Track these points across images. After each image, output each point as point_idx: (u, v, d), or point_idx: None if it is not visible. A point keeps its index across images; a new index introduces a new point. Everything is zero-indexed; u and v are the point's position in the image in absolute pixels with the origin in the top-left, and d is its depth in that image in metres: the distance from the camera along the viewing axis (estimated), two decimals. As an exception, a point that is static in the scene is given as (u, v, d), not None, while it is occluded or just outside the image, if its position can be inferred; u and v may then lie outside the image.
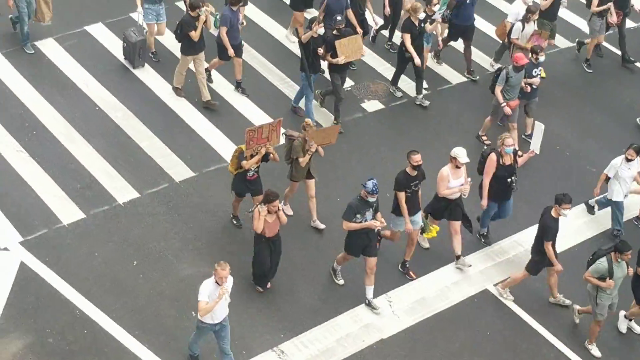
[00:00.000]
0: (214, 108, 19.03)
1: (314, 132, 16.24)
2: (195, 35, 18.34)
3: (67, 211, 16.75)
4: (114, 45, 20.35)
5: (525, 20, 19.73)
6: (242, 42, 19.55)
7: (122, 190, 17.27)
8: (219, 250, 16.32)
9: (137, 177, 17.57)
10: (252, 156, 15.94)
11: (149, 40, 19.89)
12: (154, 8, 19.49)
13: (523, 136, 19.15)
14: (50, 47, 20.23)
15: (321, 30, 18.66)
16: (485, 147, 17.69)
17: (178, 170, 17.82)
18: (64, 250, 16.06)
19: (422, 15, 19.04)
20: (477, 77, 20.73)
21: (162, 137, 18.44)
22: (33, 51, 19.78)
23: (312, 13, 21.03)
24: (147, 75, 19.85)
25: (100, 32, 20.79)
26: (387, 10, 20.65)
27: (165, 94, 19.39)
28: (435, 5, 19.40)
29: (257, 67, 20.49)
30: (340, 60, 18.27)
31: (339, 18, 18.31)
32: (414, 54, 19.09)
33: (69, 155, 17.82)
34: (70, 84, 19.36)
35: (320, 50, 18.24)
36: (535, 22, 19.99)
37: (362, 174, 17.07)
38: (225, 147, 18.31)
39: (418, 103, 19.74)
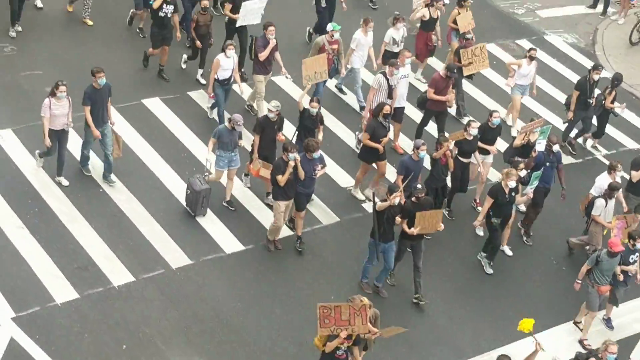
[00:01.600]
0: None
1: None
2: (282, 180, 17.59)
3: (62, 290, 16.79)
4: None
5: (608, 196, 18.84)
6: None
7: (118, 273, 17.32)
8: (210, 340, 16.31)
9: (134, 261, 17.63)
10: (331, 337, 14.59)
11: (228, 187, 19.12)
12: (227, 155, 18.64)
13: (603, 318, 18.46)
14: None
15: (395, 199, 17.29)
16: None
17: (175, 256, 17.90)
18: (55, 329, 16.05)
19: (512, 184, 18.08)
20: None
21: (162, 222, 18.56)
22: (90, 173, 19.33)
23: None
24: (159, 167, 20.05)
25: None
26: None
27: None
28: (521, 170, 18.47)
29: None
30: (416, 231, 17.24)
31: (419, 187, 17.44)
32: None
33: (69, 235, 17.92)
34: (74, 164, 19.49)
35: (398, 219, 17.19)
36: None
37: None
38: (225, 238, 18.42)
39: None
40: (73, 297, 16.69)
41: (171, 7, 21.52)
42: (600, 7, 28.89)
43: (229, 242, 18.42)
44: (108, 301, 16.75)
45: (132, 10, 23.61)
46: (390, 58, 21.45)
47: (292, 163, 17.46)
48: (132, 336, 16.18)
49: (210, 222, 18.82)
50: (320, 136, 19.12)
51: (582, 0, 29.53)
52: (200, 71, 22.47)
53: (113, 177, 19.12)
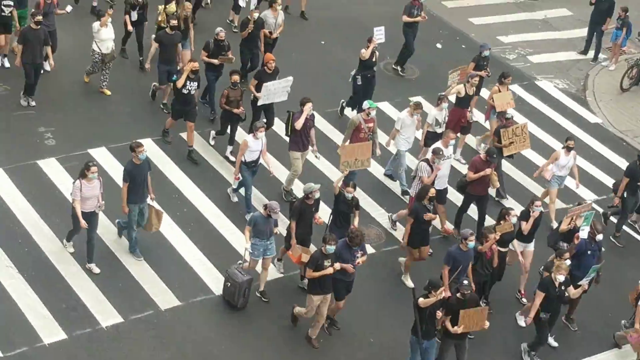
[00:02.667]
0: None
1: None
2: (314, 275, 16.77)
3: (50, 330, 16.68)
4: (113, 169, 20.51)
5: None
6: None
7: (106, 314, 17.23)
8: (198, 382, 16.22)
9: (123, 301, 17.55)
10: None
11: (262, 277, 18.26)
12: (262, 244, 17.74)
13: None
14: (51, 167, 20.47)
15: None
16: None
17: (164, 297, 17.82)
18: (42, 370, 15.96)
19: (562, 278, 17.22)
20: None
21: (151, 263, 18.49)
22: (141, 257, 18.59)
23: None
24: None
25: (103, 155, 21.04)
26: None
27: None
28: (566, 259, 17.65)
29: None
30: (460, 330, 16.36)
31: (465, 282, 16.69)
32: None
33: (58, 275, 17.84)
34: (67, 205, 19.47)
35: (439, 314, 16.35)
36: None
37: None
38: (214, 279, 18.35)
39: None
40: (61, 338, 16.59)
41: (195, 84, 21.01)
42: (591, 54, 29.06)
43: (218, 283, 18.34)
44: (96, 342, 16.65)
45: (154, 84, 23.08)
46: (433, 139, 21.05)
47: (330, 270, 16.58)
48: (120, 378, 16.10)
49: (200, 263, 18.78)
50: (356, 222, 18.30)
51: (574, 47, 29.73)
52: (229, 148, 21.72)
53: (138, 252, 18.59)
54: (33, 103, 22.19)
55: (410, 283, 18.84)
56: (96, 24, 22.36)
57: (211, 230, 19.63)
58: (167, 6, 23.48)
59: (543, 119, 25.60)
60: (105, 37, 22.36)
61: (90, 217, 17.61)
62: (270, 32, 24.07)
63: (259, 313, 17.85)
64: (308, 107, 20.04)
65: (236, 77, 21.17)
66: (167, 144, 21.74)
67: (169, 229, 19.32)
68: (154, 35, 23.07)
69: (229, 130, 21.60)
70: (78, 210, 17.36)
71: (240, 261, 17.91)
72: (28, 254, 18.16)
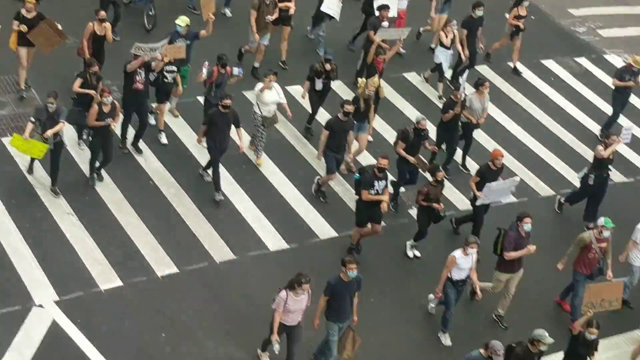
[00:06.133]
0: None
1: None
2: None
3: (106, 277, 16.99)
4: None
5: None
6: None
7: (162, 264, 17.49)
8: (250, 334, 16.36)
9: (179, 253, 17.79)
10: None
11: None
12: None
13: None
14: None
15: None
16: None
17: (220, 251, 18.03)
18: (96, 314, 16.24)
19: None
20: None
21: (207, 216, 18.70)
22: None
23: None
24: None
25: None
26: None
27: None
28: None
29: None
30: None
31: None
32: None
33: (117, 223, 18.16)
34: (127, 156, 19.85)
35: None
36: None
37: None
38: (270, 236, 18.53)
39: None
40: (117, 285, 16.89)
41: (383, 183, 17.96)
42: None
43: (273, 240, 18.51)
44: (151, 291, 16.92)
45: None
46: None
47: None
48: (172, 326, 16.32)
49: (257, 219, 18.95)
50: None
51: (645, 22, 29.31)
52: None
53: None
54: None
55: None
56: (259, 85, 20.12)
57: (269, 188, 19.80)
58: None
59: (610, 93, 25.21)
60: (267, 100, 19.90)
61: (291, 330, 15.44)
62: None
63: (312, 271, 17.95)
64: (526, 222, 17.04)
65: (442, 174, 18.56)
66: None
67: (224, 183, 19.44)
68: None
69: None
70: (276, 321, 15.10)
71: None
72: (88, 202, 18.47)
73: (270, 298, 15.24)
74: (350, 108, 19.00)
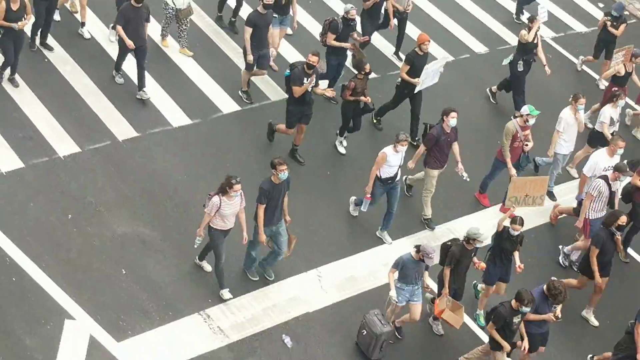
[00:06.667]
0: None
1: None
2: None
3: (6, 159, 16.67)
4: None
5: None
6: None
7: (63, 144, 17.22)
8: (156, 210, 16.38)
9: (79, 132, 17.52)
10: None
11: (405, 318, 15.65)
12: (409, 289, 15.11)
13: None
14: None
15: None
16: None
17: (122, 129, 17.81)
18: (-1, 197, 16.03)
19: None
20: None
21: (108, 94, 18.39)
22: (257, 278, 15.94)
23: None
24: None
25: None
26: None
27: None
28: None
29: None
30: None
31: None
32: None
33: (13, 102, 17.72)
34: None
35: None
36: None
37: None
38: (172, 111, 18.33)
39: None
40: (18, 166, 16.59)
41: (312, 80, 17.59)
42: None
43: (175, 116, 18.35)
44: (53, 171, 16.69)
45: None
46: (599, 139, 18.90)
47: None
48: (78, 206, 16.18)
49: (158, 96, 18.72)
50: (517, 258, 15.70)
51: None
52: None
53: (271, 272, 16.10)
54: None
55: (594, 321, 16.86)
56: None
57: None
58: None
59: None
60: None
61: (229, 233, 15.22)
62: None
63: (215, 147, 17.87)
64: (451, 118, 16.97)
65: (368, 66, 18.29)
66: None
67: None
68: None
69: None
70: (205, 221, 14.82)
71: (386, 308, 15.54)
72: (-18, 83, 18.02)
73: (175, 174, 15.10)
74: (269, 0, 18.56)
